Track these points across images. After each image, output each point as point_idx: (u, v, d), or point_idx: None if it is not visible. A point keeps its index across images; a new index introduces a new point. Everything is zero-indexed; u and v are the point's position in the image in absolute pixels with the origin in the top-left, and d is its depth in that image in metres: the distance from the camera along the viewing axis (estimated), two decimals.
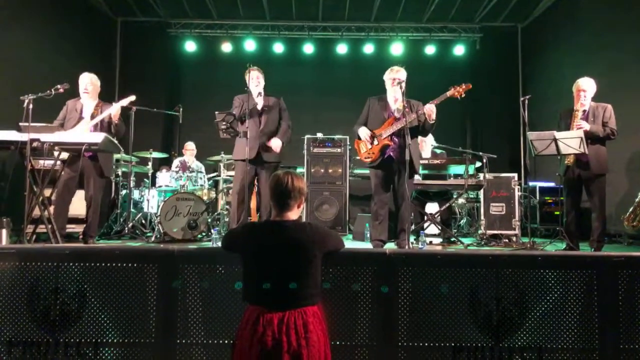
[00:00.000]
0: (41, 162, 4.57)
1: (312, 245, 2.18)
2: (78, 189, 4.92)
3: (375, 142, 4.72)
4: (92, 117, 4.86)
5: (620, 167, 6.16)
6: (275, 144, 4.94)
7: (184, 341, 2.59)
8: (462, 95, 4.59)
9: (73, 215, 5.35)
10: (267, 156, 4.97)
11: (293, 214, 2.30)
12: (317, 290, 2.20)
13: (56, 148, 4.13)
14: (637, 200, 5.15)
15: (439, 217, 5.83)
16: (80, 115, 4.88)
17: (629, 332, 2.51)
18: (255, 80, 4.99)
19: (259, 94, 4.96)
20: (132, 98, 5.14)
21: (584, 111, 4.91)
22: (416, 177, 5.17)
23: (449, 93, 4.60)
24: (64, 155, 4.45)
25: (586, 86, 4.91)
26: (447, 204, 5.79)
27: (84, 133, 4.60)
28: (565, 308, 2.55)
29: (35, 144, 3.89)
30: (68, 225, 5.49)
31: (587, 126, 4.70)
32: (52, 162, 4.33)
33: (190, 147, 7.70)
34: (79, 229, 5.25)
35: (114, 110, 4.86)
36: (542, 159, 5.40)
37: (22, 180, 3.85)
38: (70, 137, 4.16)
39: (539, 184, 7.14)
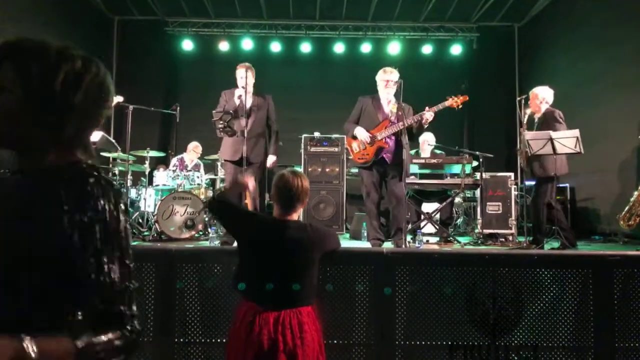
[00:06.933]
0: None
1: (312, 246, 2.19)
2: None
3: (371, 144, 4.72)
4: None
5: (615, 167, 6.18)
6: (271, 160, 5.00)
7: (181, 340, 2.59)
8: (460, 107, 4.67)
9: None
10: (252, 157, 4.89)
11: (295, 215, 2.30)
12: (313, 291, 2.20)
13: None
14: (632, 199, 5.17)
15: (439, 216, 5.86)
16: None
17: (624, 331, 2.53)
18: (242, 80, 4.79)
19: (243, 88, 4.76)
20: (119, 99, 5.03)
21: (539, 118, 5.11)
22: (412, 176, 5.20)
23: (447, 103, 4.67)
24: None
25: (543, 94, 5.09)
26: (444, 203, 5.81)
27: None
28: (561, 306, 2.57)
29: None
30: None
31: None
32: None
33: (197, 149, 7.57)
34: None
35: None
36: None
37: None
38: None
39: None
